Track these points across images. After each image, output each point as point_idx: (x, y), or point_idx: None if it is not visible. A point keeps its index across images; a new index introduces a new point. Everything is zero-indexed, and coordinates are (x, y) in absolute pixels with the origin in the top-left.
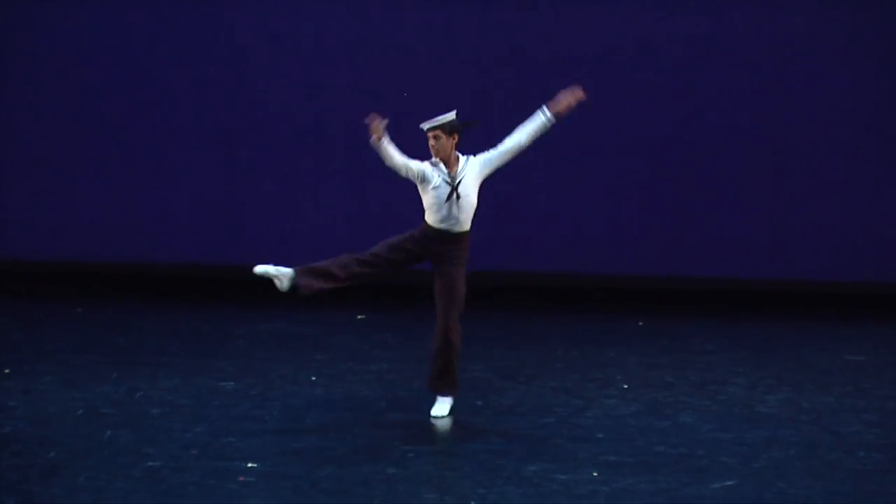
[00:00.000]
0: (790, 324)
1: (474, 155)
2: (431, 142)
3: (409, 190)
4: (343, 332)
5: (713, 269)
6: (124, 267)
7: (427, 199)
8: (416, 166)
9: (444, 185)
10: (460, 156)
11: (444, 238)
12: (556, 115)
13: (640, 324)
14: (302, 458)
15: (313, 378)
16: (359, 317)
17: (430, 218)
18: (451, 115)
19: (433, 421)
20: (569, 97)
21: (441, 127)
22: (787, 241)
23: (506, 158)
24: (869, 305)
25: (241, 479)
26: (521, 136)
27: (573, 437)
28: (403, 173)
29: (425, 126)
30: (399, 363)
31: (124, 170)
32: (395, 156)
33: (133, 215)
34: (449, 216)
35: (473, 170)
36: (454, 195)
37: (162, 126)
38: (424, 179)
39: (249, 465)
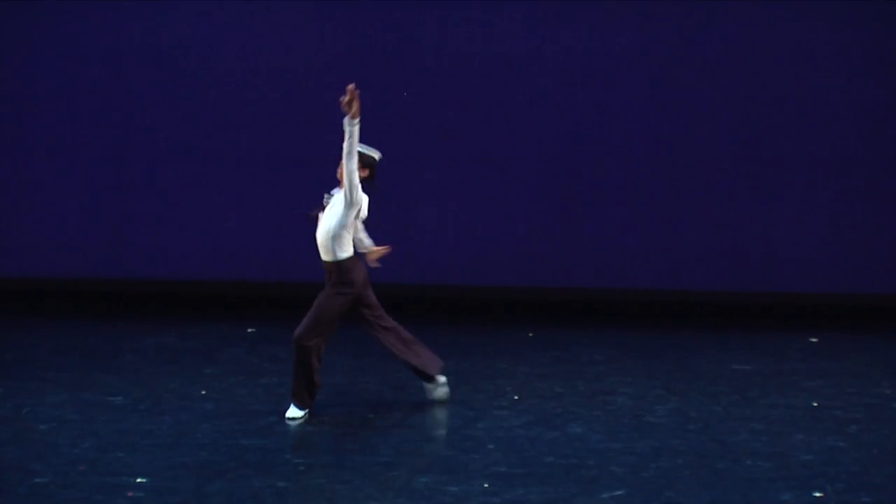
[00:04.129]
0: (678, 334)
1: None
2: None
3: (298, 203)
4: (233, 345)
5: (601, 279)
6: (9, 282)
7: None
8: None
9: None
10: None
11: (359, 267)
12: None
13: (530, 335)
14: (191, 472)
15: (203, 392)
16: (248, 330)
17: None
18: (375, 153)
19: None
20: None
21: (359, 153)
22: (673, 251)
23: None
24: (754, 315)
25: (130, 494)
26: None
27: (464, 449)
28: (356, 167)
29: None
30: (290, 377)
31: (7, 181)
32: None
33: (17, 228)
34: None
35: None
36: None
37: (48, 136)
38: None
39: (138, 479)
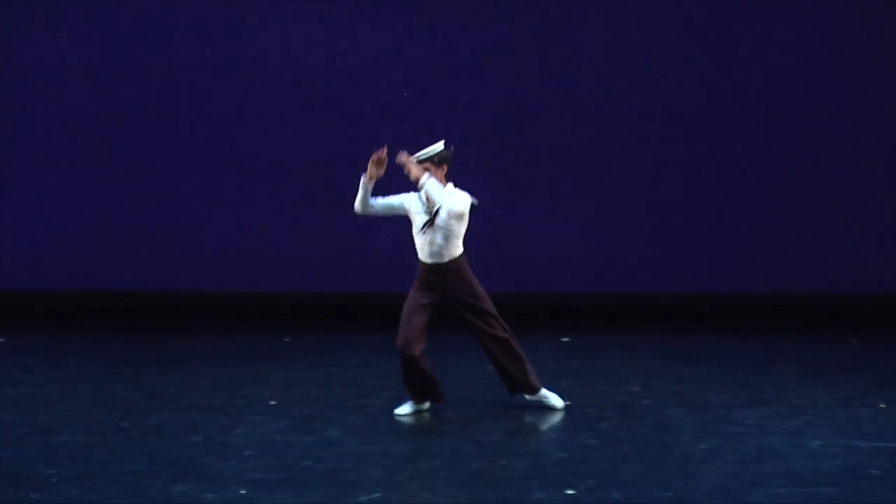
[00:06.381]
0: (433, 335)
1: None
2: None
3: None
4: None
5: (356, 284)
6: None
7: (414, 231)
8: (397, 200)
9: (423, 214)
10: (450, 186)
11: (439, 270)
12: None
13: (287, 340)
14: None
15: None
16: None
17: (419, 252)
18: (440, 146)
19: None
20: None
21: (429, 158)
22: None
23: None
24: (508, 314)
25: None
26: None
27: (221, 456)
28: (390, 213)
29: (414, 158)
30: (41, 387)
31: None
32: (376, 201)
33: None
34: (431, 245)
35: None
36: (432, 224)
37: None
38: (407, 209)
39: None
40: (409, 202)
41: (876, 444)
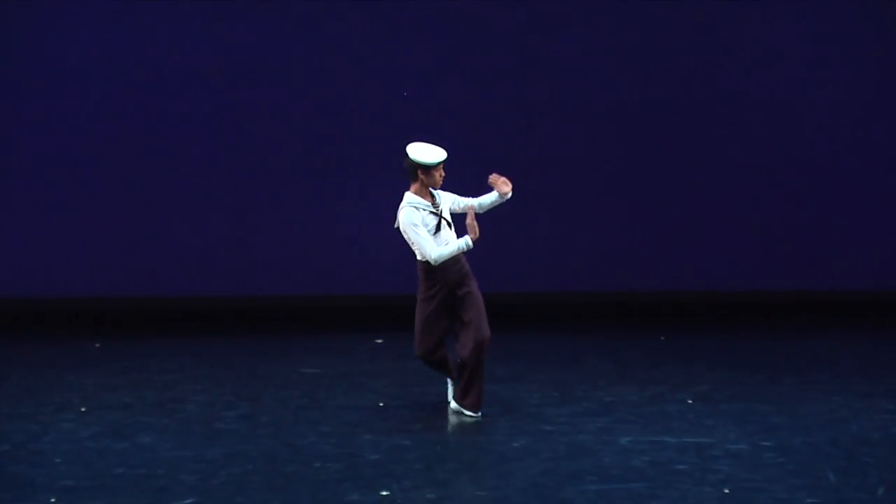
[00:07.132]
0: (247, 339)
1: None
2: (441, 173)
3: None
4: None
5: (169, 289)
6: None
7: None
8: (423, 227)
9: (432, 217)
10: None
11: (449, 266)
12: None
13: (97, 345)
14: None
15: None
16: None
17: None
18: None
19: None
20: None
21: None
22: (246, 258)
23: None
24: (322, 318)
25: None
26: (478, 200)
27: (30, 464)
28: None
29: (441, 159)
30: None
31: None
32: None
33: None
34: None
35: (447, 199)
36: (442, 222)
37: None
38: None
39: None
40: (423, 219)
41: (683, 439)
